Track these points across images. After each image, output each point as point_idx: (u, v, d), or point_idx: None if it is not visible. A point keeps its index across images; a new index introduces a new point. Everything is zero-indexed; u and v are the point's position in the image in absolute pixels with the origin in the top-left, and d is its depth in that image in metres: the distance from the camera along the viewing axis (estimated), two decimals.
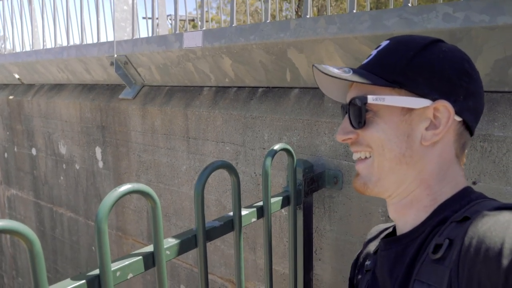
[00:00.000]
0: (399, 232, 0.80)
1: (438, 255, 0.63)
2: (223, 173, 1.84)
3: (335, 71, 0.75)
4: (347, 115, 0.79)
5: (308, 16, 1.46)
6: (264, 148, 1.68)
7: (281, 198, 1.30)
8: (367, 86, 0.76)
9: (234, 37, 1.65)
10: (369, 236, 0.99)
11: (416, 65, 0.72)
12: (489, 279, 0.53)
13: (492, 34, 1.12)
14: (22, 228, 0.70)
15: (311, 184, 1.43)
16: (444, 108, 0.71)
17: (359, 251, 0.99)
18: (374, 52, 0.80)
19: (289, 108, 1.61)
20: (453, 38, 1.17)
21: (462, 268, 0.57)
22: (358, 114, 0.76)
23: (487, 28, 1.11)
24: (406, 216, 0.77)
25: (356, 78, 0.74)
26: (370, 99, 0.73)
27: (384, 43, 0.80)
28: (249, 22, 2.67)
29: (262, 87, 1.78)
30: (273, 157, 1.19)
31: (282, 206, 1.31)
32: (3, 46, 4.84)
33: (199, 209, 1.01)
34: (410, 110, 0.73)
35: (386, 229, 0.94)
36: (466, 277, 0.56)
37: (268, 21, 1.56)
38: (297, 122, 1.56)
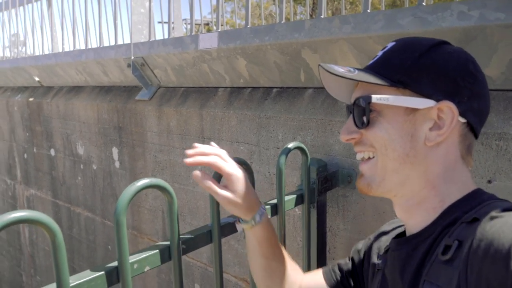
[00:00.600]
0: (408, 232, 0.80)
1: (448, 256, 0.63)
2: None
3: (340, 70, 0.76)
4: (351, 115, 0.80)
5: (322, 16, 1.47)
6: (278, 148, 1.69)
7: (295, 196, 1.31)
8: (371, 86, 0.76)
9: (249, 38, 1.67)
10: (382, 229, 0.99)
11: (421, 65, 0.73)
12: (497, 281, 0.53)
13: (508, 32, 1.11)
14: (45, 219, 0.73)
15: (325, 183, 1.43)
16: (448, 109, 0.72)
17: (371, 239, 0.99)
18: (380, 53, 0.81)
19: (303, 108, 1.62)
20: (468, 37, 1.17)
21: (471, 270, 0.57)
22: (362, 113, 0.76)
23: (503, 26, 1.10)
24: (415, 216, 0.77)
25: (360, 77, 0.74)
26: (374, 98, 0.74)
27: (390, 44, 0.81)
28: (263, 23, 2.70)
29: (277, 88, 1.79)
30: (287, 155, 1.20)
31: (296, 204, 1.32)
32: (23, 50, 4.96)
33: (214, 205, 1.03)
34: (414, 110, 0.73)
35: (399, 226, 0.95)
36: (474, 278, 0.56)
37: (282, 21, 1.57)
38: (311, 121, 1.57)
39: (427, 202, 0.75)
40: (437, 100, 0.72)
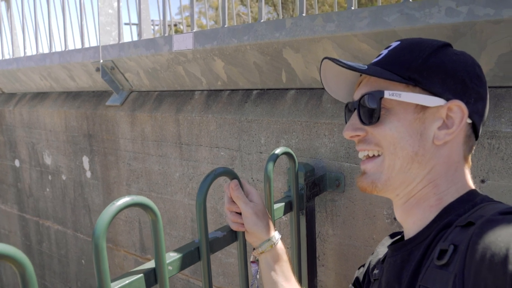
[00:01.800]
0: (406, 235, 0.80)
1: (443, 261, 0.62)
2: (219, 180, 1.78)
3: (350, 63, 0.74)
4: (355, 112, 0.79)
5: (304, 15, 1.41)
6: (261, 152, 1.62)
7: (283, 204, 1.24)
8: (380, 82, 0.76)
9: (227, 38, 1.59)
10: (381, 243, 0.98)
11: (431, 64, 0.73)
12: (495, 285, 0.52)
13: (497, 28, 1.08)
14: (13, 252, 0.63)
15: (313, 188, 1.38)
16: (458, 108, 0.72)
17: (371, 256, 0.97)
18: (384, 52, 0.80)
19: (285, 110, 1.56)
20: (457, 33, 1.14)
21: (468, 275, 0.57)
22: (371, 110, 0.75)
23: (492, 22, 1.08)
24: (413, 216, 0.77)
25: (373, 72, 0.73)
26: (387, 94, 0.73)
27: (395, 43, 0.80)
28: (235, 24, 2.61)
29: (257, 89, 1.72)
30: (275, 161, 1.14)
31: (285, 212, 1.25)
32: None
33: (202, 220, 0.95)
34: (424, 109, 0.73)
35: (397, 236, 0.93)
36: (472, 283, 0.56)
37: (262, 20, 1.50)
38: (295, 124, 1.51)
39: (426, 200, 0.75)
40: (447, 99, 0.72)
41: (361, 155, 0.81)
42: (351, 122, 0.79)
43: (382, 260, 0.87)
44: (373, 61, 0.80)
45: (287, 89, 1.62)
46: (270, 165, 1.13)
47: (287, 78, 1.57)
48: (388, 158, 0.75)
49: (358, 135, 0.78)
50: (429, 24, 1.16)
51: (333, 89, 0.88)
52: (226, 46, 1.61)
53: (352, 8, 1.30)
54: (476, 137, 0.78)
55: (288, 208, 1.27)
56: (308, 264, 1.41)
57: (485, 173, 1.17)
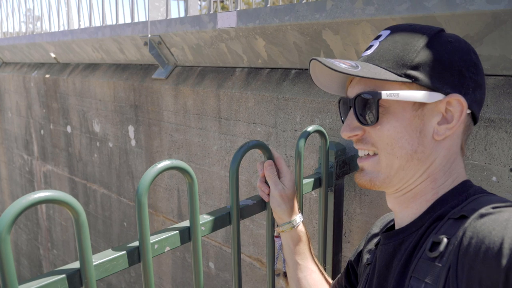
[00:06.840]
0: (398, 225, 0.80)
1: (435, 254, 0.63)
2: (253, 154, 1.86)
3: (342, 66, 0.71)
4: (351, 111, 0.77)
5: None
6: (296, 130, 1.68)
7: (313, 179, 1.30)
8: (375, 81, 0.73)
9: (269, 18, 1.64)
10: (372, 232, 0.99)
11: (426, 58, 0.71)
12: (489, 279, 0.53)
13: None
14: (69, 199, 0.73)
15: (343, 167, 1.43)
16: (457, 102, 0.71)
17: (364, 240, 0.99)
18: (375, 43, 0.77)
19: (322, 90, 1.59)
20: (497, 21, 1.13)
21: (461, 269, 0.57)
22: (368, 110, 0.73)
23: None
24: (408, 209, 0.77)
25: (366, 73, 0.70)
26: (384, 95, 0.70)
27: (385, 33, 0.77)
28: (280, 3, 2.65)
29: (295, 69, 1.77)
30: (306, 138, 1.20)
31: (314, 187, 1.31)
32: (39, 25, 4.95)
33: (234, 187, 1.03)
34: (422, 105, 0.72)
35: (388, 223, 0.94)
36: (466, 277, 0.56)
37: (303, 1, 1.54)
38: (330, 104, 1.55)
39: (424, 195, 0.75)
40: (446, 93, 0.71)
41: (361, 153, 0.80)
42: (347, 122, 0.77)
43: (375, 245, 0.88)
44: (363, 54, 0.77)
45: None
46: (302, 142, 1.19)
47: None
48: (385, 158, 0.74)
49: (356, 135, 0.77)
50: (469, 10, 1.15)
51: (324, 83, 0.85)
52: (268, 26, 1.65)
53: None
54: (475, 123, 0.78)
55: (317, 184, 1.33)
56: (333, 239, 1.47)
57: None
